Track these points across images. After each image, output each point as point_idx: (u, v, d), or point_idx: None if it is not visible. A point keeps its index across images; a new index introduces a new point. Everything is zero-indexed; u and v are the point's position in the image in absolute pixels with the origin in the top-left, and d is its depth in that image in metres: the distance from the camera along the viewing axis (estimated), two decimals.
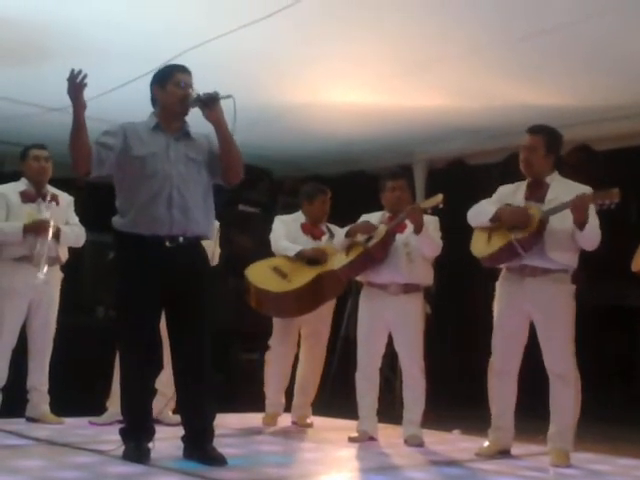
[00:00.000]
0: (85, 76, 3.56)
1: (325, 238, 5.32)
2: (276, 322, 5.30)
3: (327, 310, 5.32)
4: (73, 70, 3.58)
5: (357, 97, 5.78)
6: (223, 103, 3.74)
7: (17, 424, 4.72)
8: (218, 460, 3.64)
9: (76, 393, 5.10)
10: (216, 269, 4.87)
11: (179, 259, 3.69)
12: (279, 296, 5.00)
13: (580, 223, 3.97)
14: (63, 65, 5.10)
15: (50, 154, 5.03)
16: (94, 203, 5.24)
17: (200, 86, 3.88)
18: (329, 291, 5.14)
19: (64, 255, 5.03)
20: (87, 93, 4.96)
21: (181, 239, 3.70)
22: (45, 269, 4.71)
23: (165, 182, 3.70)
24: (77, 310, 6.31)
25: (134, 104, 3.83)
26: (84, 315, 6.31)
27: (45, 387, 4.96)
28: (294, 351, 5.35)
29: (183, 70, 3.83)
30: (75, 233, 5.01)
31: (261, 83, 5.53)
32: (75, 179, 7.60)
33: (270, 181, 7.41)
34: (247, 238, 5.38)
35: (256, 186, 7.26)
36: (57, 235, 4.84)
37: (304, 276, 5.00)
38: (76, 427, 4.72)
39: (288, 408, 5.40)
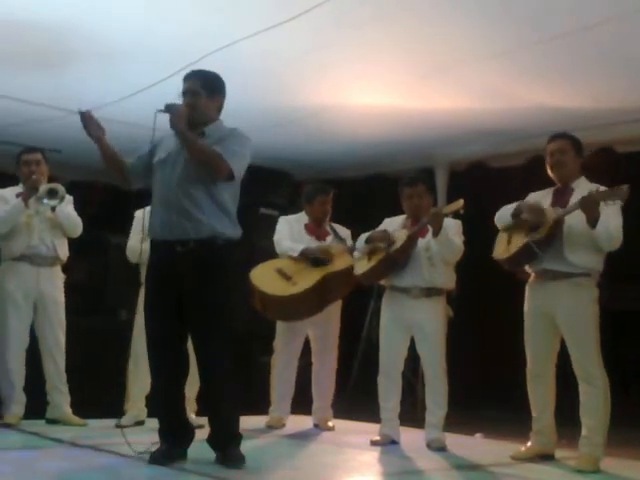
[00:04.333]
0: (89, 112, 3.79)
1: (330, 238, 5.29)
2: (279, 324, 5.29)
3: (335, 310, 5.28)
4: (82, 113, 3.78)
5: (378, 100, 5.77)
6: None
7: (38, 426, 4.74)
8: (233, 461, 3.62)
9: (98, 395, 5.12)
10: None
11: (192, 262, 3.68)
12: (283, 299, 4.96)
13: (591, 221, 3.97)
14: (87, 69, 5.20)
15: (43, 157, 5.07)
16: (121, 207, 5.26)
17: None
18: (335, 293, 5.11)
19: (64, 254, 5.06)
20: (112, 95, 5.03)
21: (192, 243, 3.69)
22: (45, 200, 4.80)
23: (166, 187, 3.76)
24: (100, 313, 6.35)
25: (159, 107, 3.83)
26: (107, 318, 6.35)
27: (65, 388, 4.99)
28: (298, 354, 5.33)
29: (184, 79, 3.89)
30: (69, 211, 5.03)
31: (283, 86, 5.53)
32: (96, 183, 7.71)
33: (291, 184, 7.41)
34: (268, 241, 5.36)
35: (277, 189, 7.27)
36: (52, 192, 4.85)
37: (309, 278, 4.96)
38: (99, 429, 4.74)
39: (309, 411, 5.40)
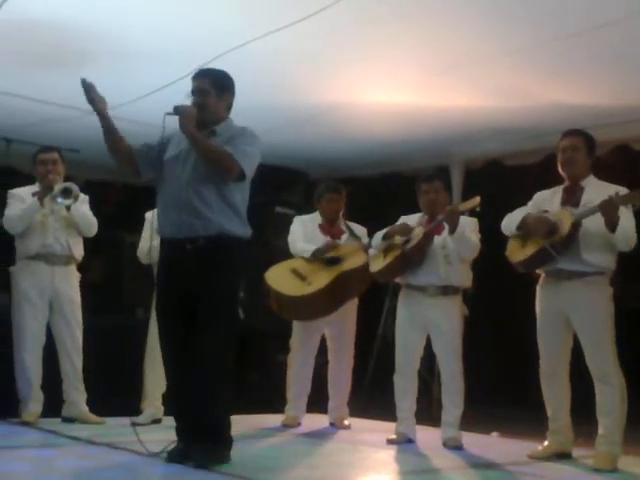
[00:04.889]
0: (91, 82, 3.74)
1: (345, 237, 5.29)
2: (296, 323, 5.30)
3: (351, 309, 5.29)
4: (83, 80, 3.73)
5: (393, 98, 5.76)
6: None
7: (55, 424, 4.77)
8: (212, 459, 3.55)
9: (116, 393, 5.15)
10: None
11: (200, 260, 3.67)
12: (299, 299, 4.96)
13: (611, 225, 3.95)
14: (101, 69, 5.21)
15: (60, 156, 5.10)
16: (136, 206, 5.29)
17: (238, 88, 3.94)
18: (349, 291, 5.11)
19: (78, 253, 5.09)
20: (127, 96, 5.06)
21: (201, 240, 3.68)
22: (60, 199, 4.82)
23: (176, 185, 3.75)
24: (117, 311, 6.38)
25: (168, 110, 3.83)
26: (124, 316, 6.38)
27: (82, 386, 5.01)
28: (314, 353, 5.34)
29: (193, 78, 3.88)
30: (85, 211, 5.05)
31: (297, 85, 5.53)
32: (113, 182, 7.75)
33: (306, 183, 7.41)
34: (284, 240, 5.37)
35: (292, 188, 7.27)
36: (66, 191, 4.88)
37: (323, 278, 4.96)
38: (116, 427, 4.76)
39: (325, 409, 5.41)
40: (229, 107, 3.91)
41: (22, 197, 4.99)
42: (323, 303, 4.98)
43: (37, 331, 4.93)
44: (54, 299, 4.97)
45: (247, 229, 3.82)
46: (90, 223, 5.06)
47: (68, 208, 4.91)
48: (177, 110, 3.69)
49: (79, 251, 5.10)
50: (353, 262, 5.04)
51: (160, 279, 3.89)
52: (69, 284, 5.03)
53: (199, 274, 3.67)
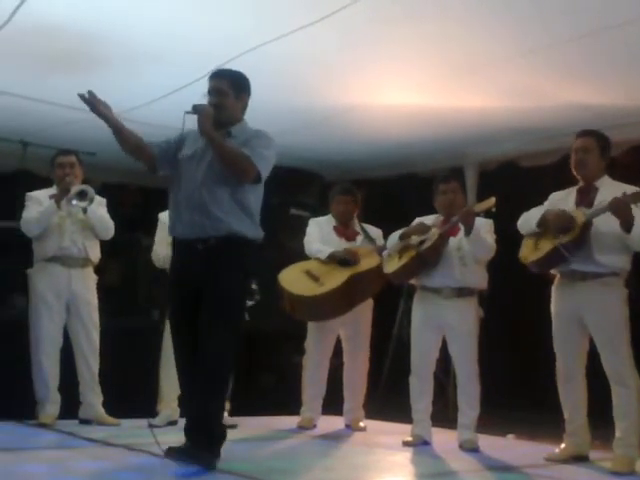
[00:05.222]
0: (89, 92, 3.71)
1: (360, 239, 5.29)
2: (311, 324, 5.30)
3: (366, 310, 5.28)
4: (82, 95, 3.71)
5: (408, 99, 5.75)
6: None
7: (71, 426, 4.79)
8: (201, 458, 3.50)
9: (132, 395, 5.16)
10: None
11: (209, 260, 3.65)
12: (311, 300, 4.97)
13: (626, 226, 3.92)
14: (115, 72, 5.24)
15: (77, 159, 5.12)
16: (152, 208, 5.32)
17: (253, 90, 3.93)
18: (362, 292, 5.11)
19: (95, 256, 5.11)
20: (142, 98, 5.06)
21: (212, 240, 3.67)
22: (75, 201, 4.85)
23: (190, 185, 3.73)
24: (133, 313, 6.40)
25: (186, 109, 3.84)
26: (139, 318, 6.40)
27: (98, 388, 5.03)
28: (329, 354, 5.34)
29: (210, 77, 3.87)
30: (102, 214, 5.07)
31: (312, 86, 5.53)
32: (129, 185, 7.78)
33: (321, 184, 7.41)
34: (298, 242, 5.38)
35: (307, 190, 7.27)
36: (82, 193, 4.90)
37: (336, 278, 4.97)
38: (132, 428, 4.77)
39: (341, 411, 5.40)
40: (244, 108, 3.91)
41: (40, 200, 5.02)
42: (335, 304, 4.99)
43: (54, 333, 4.96)
44: (71, 301, 4.99)
45: (259, 231, 3.80)
46: (107, 226, 5.08)
47: (85, 210, 4.93)
48: (196, 109, 3.67)
49: (96, 254, 5.12)
50: (366, 264, 5.04)
51: (172, 279, 3.88)
52: (86, 286, 5.05)
53: (207, 274, 3.65)
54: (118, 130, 3.78)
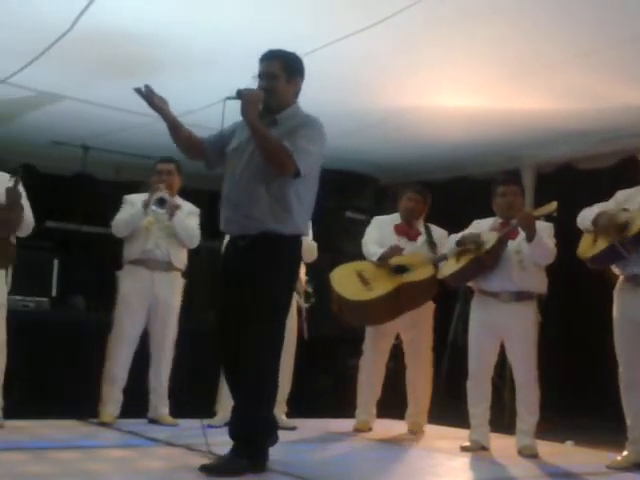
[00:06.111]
0: (146, 86, 3.61)
1: (421, 239, 5.24)
2: (368, 327, 5.28)
3: (426, 313, 5.24)
4: (138, 89, 3.61)
5: (463, 101, 5.72)
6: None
7: (138, 425, 4.87)
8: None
9: (193, 395, 5.22)
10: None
11: (247, 258, 3.54)
12: (357, 304, 4.96)
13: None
14: (172, 77, 5.31)
15: (176, 168, 5.19)
16: (210, 209, 5.37)
17: (308, 94, 3.79)
18: (411, 301, 5.03)
19: (178, 262, 5.16)
20: (199, 102, 5.09)
21: (251, 237, 3.52)
22: (154, 207, 4.93)
23: (231, 180, 3.61)
24: (192, 315, 6.47)
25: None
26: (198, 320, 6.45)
27: (164, 390, 5.10)
28: (386, 357, 5.32)
29: (261, 59, 3.67)
30: (189, 223, 5.12)
31: (367, 89, 5.54)
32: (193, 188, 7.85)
33: (376, 187, 7.41)
34: (354, 245, 5.38)
35: (362, 193, 7.27)
36: (173, 207, 4.99)
37: (385, 285, 4.94)
38: (190, 429, 4.82)
39: (397, 414, 5.39)
40: (297, 92, 3.68)
41: (134, 203, 5.13)
42: (381, 311, 4.96)
43: (133, 335, 5.03)
44: (152, 304, 5.06)
45: (298, 227, 3.58)
46: (190, 235, 5.13)
47: (170, 217, 5.00)
48: (239, 94, 3.45)
49: (180, 259, 5.17)
50: (418, 274, 4.99)
51: (220, 276, 3.72)
52: (169, 290, 5.10)
53: (245, 273, 3.53)
54: (173, 125, 3.70)
